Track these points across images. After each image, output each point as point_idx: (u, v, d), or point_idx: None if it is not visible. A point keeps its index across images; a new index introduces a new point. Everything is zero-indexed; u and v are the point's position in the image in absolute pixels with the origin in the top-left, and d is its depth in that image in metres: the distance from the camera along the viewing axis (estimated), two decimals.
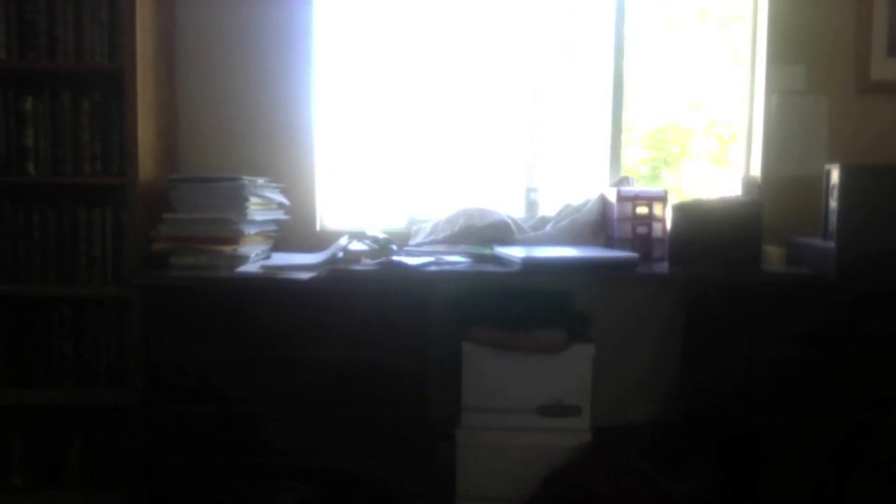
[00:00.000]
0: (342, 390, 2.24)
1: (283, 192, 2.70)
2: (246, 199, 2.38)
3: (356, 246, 2.44)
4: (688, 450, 2.50)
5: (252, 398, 2.23)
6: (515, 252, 2.28)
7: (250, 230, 2.42)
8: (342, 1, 2.90)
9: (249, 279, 2.18)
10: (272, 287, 2.19)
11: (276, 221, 2.66)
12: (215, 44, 2.76)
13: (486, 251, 2.46)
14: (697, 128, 3.11)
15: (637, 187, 2.63)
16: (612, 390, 2.78)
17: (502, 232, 2.64)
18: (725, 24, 3.01)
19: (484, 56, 2.99)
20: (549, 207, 2.92)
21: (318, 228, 2.84)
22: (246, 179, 2.39)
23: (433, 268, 2.26)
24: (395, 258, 2.26)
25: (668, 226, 2.50)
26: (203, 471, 2.26)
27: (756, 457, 2.34)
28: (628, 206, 2.53)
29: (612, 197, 2.60)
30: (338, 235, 2.72)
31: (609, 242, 2.61)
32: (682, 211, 2.35)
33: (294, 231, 2.75)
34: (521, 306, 2.49)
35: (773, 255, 2.46)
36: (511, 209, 2.81)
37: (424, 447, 2.33)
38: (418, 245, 2.63)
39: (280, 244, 2.71)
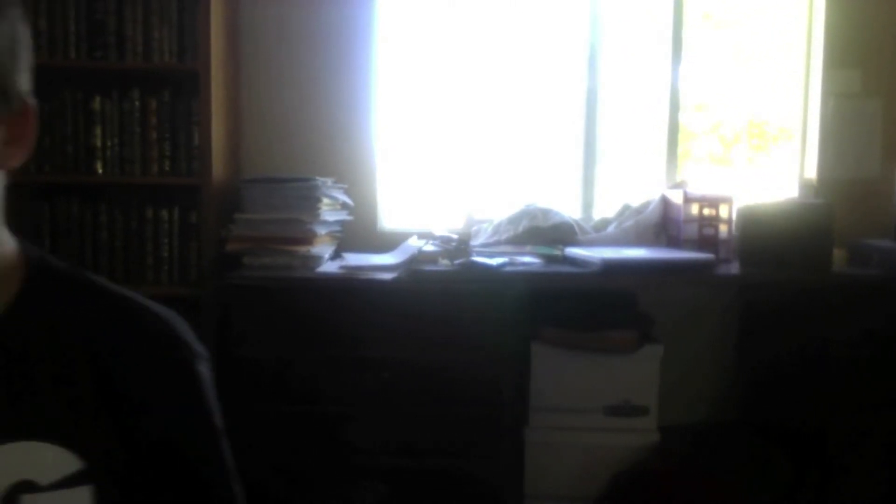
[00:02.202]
0: (421, 390, 2.25)
1: (346, 192, 2.70)
2: (319, 200, 2.39)
3: (427, 246, 2.45)
4: (755, 448, 2.52)
5: (332, 398, 2.23)
6: (592, 253, 2.29)
7: (321, 230, 2.42)
8: (403, 1, 2.91)
9: (333, 279, 2.18)
10: (354, 287, 2.19)
11: (340, 222, 2.66)
12: (278, 44, 2.76)
13: (556, 252, 2.48)
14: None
15: (699, 189, 2.65)
16: (673, 389, 2.80)
17: (565, 233, 2.66)
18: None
19: (540, 57, 3.00)
20: (604, 208, 2.94)
21: (379, 229, 2.84)
22: (319, 180, 2.39)
23: (511, 269, 2.27)
24: (475, 259, 2.27)
25: (732, 227, 2.53)
26: (282, 470, 2.26)
27: (827, 457, 2.37)
28: (695, 208, 2.55)
29: (676, 198, 2.62)
30: (399, 235, 2.72)
31: (672, 243, 2.63)
32: (752, 213, 2.38)
33: (356, 231, 2.75)
34: (588, 307, 2.50)
35: (834, 257, 2.49)
36: (568, 209, 2.83)
37: (497, 446, 2.34)
38: (483, 246, 2.64)
39: (342, 244, 2.71)
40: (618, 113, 3.01)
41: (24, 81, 0.69)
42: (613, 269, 2.22)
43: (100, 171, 2.49)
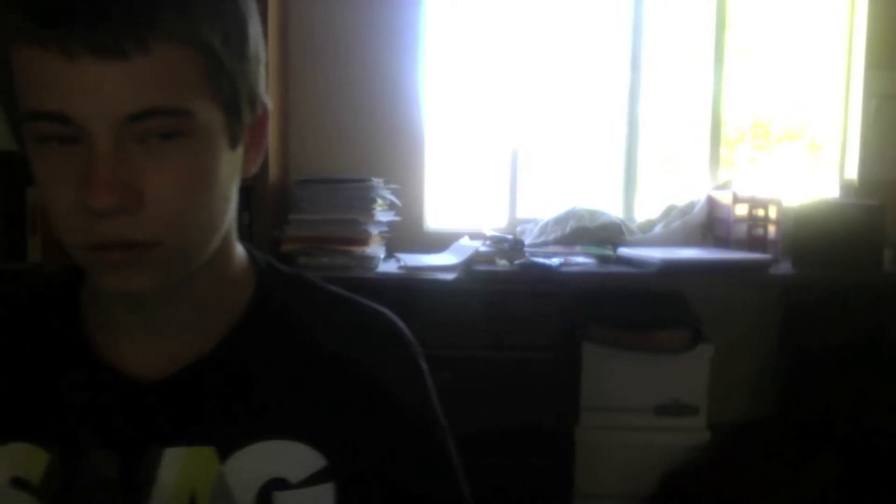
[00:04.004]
0: (478, 390, 2.26)
1: (394, 192, 2.71)
2: (374, 201, 2.40)
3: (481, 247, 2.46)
4: (804, 446, 2.54)
5: None
6: (650, 253, 2.31)
7: (375, 231, 2.43)
8: (451, 1, 2.92)
9: (394, 279, 2.19)
10: (415, 287, 2.20)
11: (389, 222, 2.67)
12: (326, 45, 2.76)
13: (608, 252, 2.49)
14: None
15: (746, 190, 2.67)
16: (721, 388, 2.82)
17: (613, 233, 2.67)
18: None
19: (583, 58, 3.02)
20: (645, 209, 2.96)
21: (425, 229, 2.85)
22: (374, 180, 2.40)
23: (568, 269, 2.28)
24: (535, 259, 2.28)
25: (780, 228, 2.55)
26: None
27: (876, 455, 2.39)
28: (744, 208, 2.57)
29: (723, 199, 2.64)
30: (445, 236, 2.74)
31: (719, 244, 2.64)
32: (804, 213, 2.40)
33: (403, 231, 2.76)
34: (639, 307, 2.52)
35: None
36: (610, 210, 2.85)
37: (549, 445, 2.35)
38: (531, 246, 2.65)
39: (389, 244, 2.72)
40: (659, 114, 3.03)
41: (263, 83, 0.69)
42: (672, 270, 2.23)
43: None
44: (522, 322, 2.25)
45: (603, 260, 2.46)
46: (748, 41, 3.06)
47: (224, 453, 0.68)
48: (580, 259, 2.43)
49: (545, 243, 2.67)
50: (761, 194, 2.60)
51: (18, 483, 0.68)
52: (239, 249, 0.75)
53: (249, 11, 0.65)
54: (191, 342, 0.71)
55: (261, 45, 0.68)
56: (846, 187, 2.92)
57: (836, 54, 2.99)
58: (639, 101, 2.95)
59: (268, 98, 0.71)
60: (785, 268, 2.43)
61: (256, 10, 0.67)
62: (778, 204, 2.58)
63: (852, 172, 2.93)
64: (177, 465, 0.67)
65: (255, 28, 0.66)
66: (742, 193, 2.59)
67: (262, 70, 0.68)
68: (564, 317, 2.55)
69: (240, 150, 0.68)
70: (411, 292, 2.23)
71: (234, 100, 0.64)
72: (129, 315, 0.70)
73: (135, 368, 0.70)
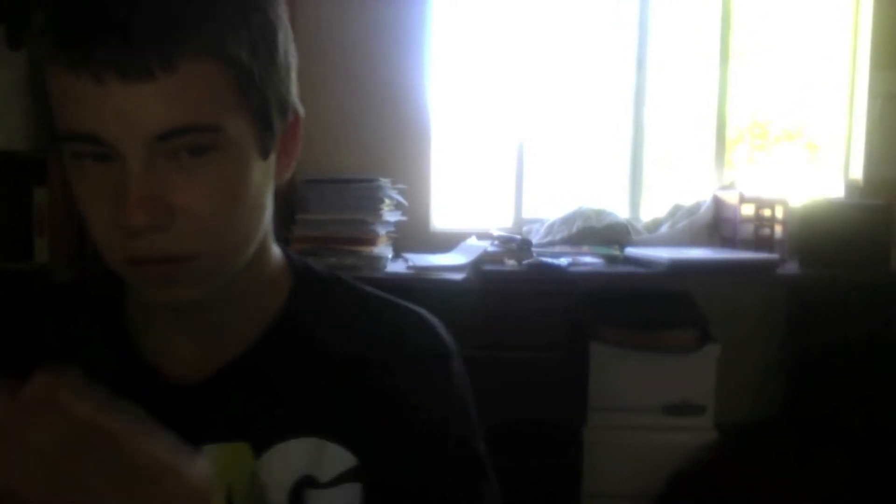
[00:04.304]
0: (485, 389, 2.25)
1: (400, 192, 2.71)
2: (381, 201, 2.40)
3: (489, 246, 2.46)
4: (812, 446, 2.55)
5: None
6: (658, 253, 2.31)
7: (382, 231, 2.43)
8: (457, 2, 2.92)
9: (403, 279, 2.19)
10: (424, 287, 2.20)
11: (395, 222, 2.67)
12: (332, 44, 2.76)
13: (615, 252, 2.50)
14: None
15: (752, 190, 2.68)
16: (728, 388, 2.82)
17: (619, 233, 2.68)
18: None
19: (589, 58, 3.02)
20: (650, 208, 2.96)
21: (431, 229, 2.85)
22: (381, 180, 2.40)
23: (577, 269, 2.28)
24: (544, 259, 2.28)
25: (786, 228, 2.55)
26: None
27: (885, 455, 2.40)
28: (751, 208, 2.58)
29: (729, 199, 2.64)
30: (451, 236, 2.74)
31: (726, 244, 2.65)
32: (811, 213, 2.40)
33: (409, 231, 2.76)
34: (646, 307, 2.52)
35: None
36: (616, 209, 2.85)
37: (557, 445, 2.36)
38: (538, 246, 2.65)
39: (395, 244, 2.72)
40: (664, 114, 3.03)
41: (295, 89, 0.69)
42: (680, 270, 2.24)
43: None
44: (530, 322, 2.25)
45: (610, 260, 2.46)
46: (752, 41, 3.07)
47: (258, 450, 0.69)
48: (588, 259, 2.43)
49: (552, 243, 2.67)
50: (767, 194, 2.61)
51: None
52: (276, 252, 0.76)
53: (278, 17, 0.65)
54: (230, 343, 0.71)
55: (291, 51, 0.68)
56: (851, 187, 2.93)
57: (841, 54, 3.00)
58: (644, 101, 2.95)
59: (300, 104, 0.71)
60: (792, 268, 2.44)
61: (286, 15, 0.67)
62: (784, 204, 2.59)
63: (857, 172, 2.94)
64: (213, 461, 0.68)
65: (284, 34, 0.66)
66: (748, 194, 2.60)
67: (293, 76, 0.68)
68: (572, 316, 2.55)
69: (272, 158, 0.68)
70: (420, 292, 2.22)
71: (265, 110, 0.64)
72: (170, 319, 0.71)
73: (176, 370, 0.71)
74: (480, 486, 0.74)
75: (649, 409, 2.49)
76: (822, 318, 2.71)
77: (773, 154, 3.20)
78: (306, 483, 0.69)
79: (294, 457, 0.69)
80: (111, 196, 0.59)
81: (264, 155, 0.66)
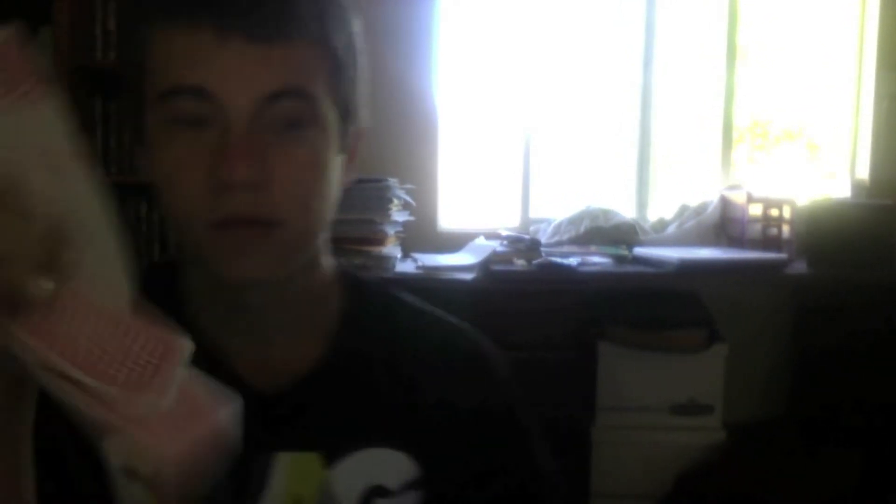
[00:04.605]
0: None
1: (408, 192, 2.71)
2: (390, 201, 2.40)
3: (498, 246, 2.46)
4: (821, 445, 2.55)
5: None
6: (667, 253, 2.31)
7: (391, 231, 2.43)
8: (464, 1, 2.92)
9: (413, 279, 2.20)
10: (434, 287, 2.20)
11: (403, 222, 2.67)
12: None
13: (624, 252, 2.50)
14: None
15: (758, 189, 2.68)
16: (735, 387, 2.83)
17: (627, 233, 2.68)
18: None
19: (595, 57, 3.03)
20: (656, 209, 2.97)
21: (439, 229, 2.85)
22: (390, 180, 2.40)
23: (586, 269, 2.29)
24: (554, 259, 2.29)
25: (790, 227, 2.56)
26: None
27: (894, 453, 2.40)
28: (758, 208, 2.58)
29: (737, 199, 2.65)
30: (458, 236, 2.74)
31: (733, 243, 2.65)
32: (819, 213, 2.41)
33: (416, 231, 2.76)
34: (654, 306, 2.52)
35: None
36: (623, 210, 2.86)
37: (565, 445, 2.35)
38: (546, 246, 2.65)
39: (403, 245, 2.72)
40: (671, 114, 3.04)
41: (364, 105, 0.72)
42: (690, 270, 2.24)
43: None
44: (539, 321, 2.26)
45: (619, 260, 2.46)
46: (757, 41, 3.08)
47: (329, 460, 0.69)
48: (596, 259, 2.44)
49: (559, 243, 2.67)
50: (776, 194, 2.62)
51: (132, 473, 0.69)
52: (328, 262, 0.77)
53: (360, 33, 0.71)
54: (292, 349, 0.72)
55: (365, 68, 0.71)
56: (857, 187, 2.93)
57: (847, 55, 3.01)
58: (651, 101, 2.96)
59: (363, 111, 0.74)
60: (800, 267, 2.45)
61: (363, 33, 0.71)
62: (792, 204, 2.59)
63: (863, 172, 2.95)
64: (285, 470, 0.69)
65: (363, 54, 0.71)
66: (756, 194, 2.60)
67: (364, 91, 0.72)
68: (580, 316, 2.56)
69: (343, 157, 0.71)
70: (430, 292, 2.21)
71: (347, 104, 0.68)
72: (232, 319, 0.71)
73: (246, 374, 0.70)
74: (543, 492, 0.75)
75: (657, 408, 2.49)
76: (830, 318, 2.71)
77: (773, 154, 3.21)
78: (375, 493, 0.70)
79: (363, 467, 0.70)
80: (206, 157, 0.61)
81: (342, 148, 0.69)
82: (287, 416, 0.70)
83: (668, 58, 2.99)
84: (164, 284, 0.73)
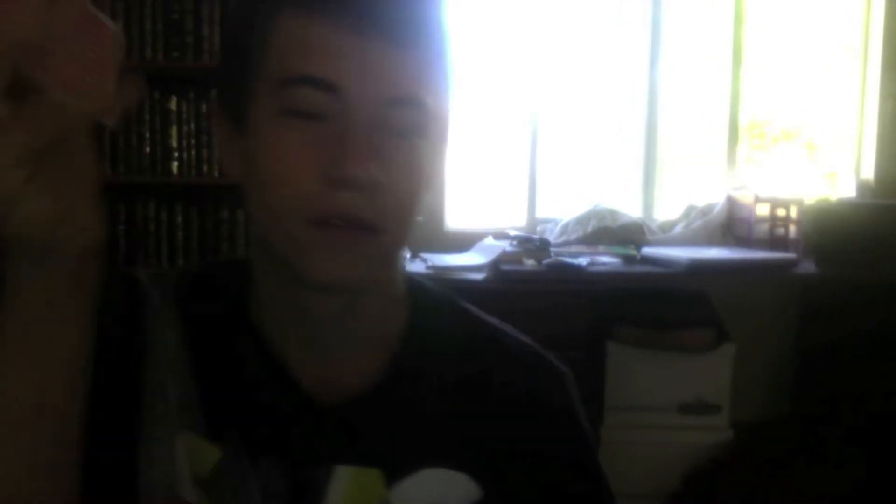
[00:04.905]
0: None
1: None
2: None
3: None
4: (827, 444, 2.56)
5: None
6: (677, 253, 2.32)
7: None
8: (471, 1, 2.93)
9: (427, 279, 2.19)
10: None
11: None
12: None
13: (632, 252, 2.50)
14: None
15: (766, 189, 2.69)
16: (742, 387, 2.84)
17: (634, 233, 2.69)
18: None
19: (602, 58, 3.03)
20: (665, 208, 2.98)
21: (446, 229, 2.85)
22: None
23: (596, 269, 2.30)
24: (564, 259, 2.29)
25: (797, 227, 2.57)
26: None
27: None
28: (766, 208, 2.59)
29: (744, 199, 2.66)
30: (466, 236, 2.74)
31: (740, 243, 2.66)
32: (827, 213, 2.42)
33: (424, 232, 2.75)
34: (663, 306, 2.53)
35: None
36: (629, 209, 2.86)
37: None
38: (553, 245, 2.66)
39: (411, 245, 2.72)
40: (677, 115, 3.04)
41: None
42: (700, 270, 2.25)
43: (176, 171, 2.49)
44: (549, 321, 2.25)
45: (628, 259, 2.47)
46: (761, 41, 3.08)
47: (390, 478, 0.68)
48: (605, 259, 2.44)
49: (567, 243, 2.68)
50: (783, 194, 2.63)
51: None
52: (403, 271, 0.75)
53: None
54: (354, 362, 0.70)
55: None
56: (862, 187, 2.95)
57: (852, 55, 3.02)
58: (658, 101, 2.96)
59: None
60: (807, 267, 2.46)
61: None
62: (799, 203, 2.60)
63: (868, 172, 2.96)
64: (344, 484, 0.67)
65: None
66: (764, 194, 2.62)
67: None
68: (589, 316, 2.56)
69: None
70: None
71: (445, 122, 0.67)
72: (298, 328, 0.69)
73: (309, 384, 0.69)
74: None
75: (665, 408, 2.50)
76: (837, 318, 2.72)
77: (772, 154, 3.22)
78: None
79: (425, 486, 0.68)
80: (320, 151, 0.59)
81: (439, 158, 0.68)
82: (347, 430, 0.68)
83: (674, 58, 2.99)
84: (233, 283, 0.72)
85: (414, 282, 0.75)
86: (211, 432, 0.68)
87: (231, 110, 0.65)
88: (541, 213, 2.96)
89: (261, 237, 0.67)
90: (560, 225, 2.78)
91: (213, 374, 0.70)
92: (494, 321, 0.78)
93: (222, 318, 0.72)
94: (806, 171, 3.18)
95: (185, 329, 0.71)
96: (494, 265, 2.30)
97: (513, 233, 2.57)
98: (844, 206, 2.45)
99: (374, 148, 0.59)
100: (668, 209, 2.99)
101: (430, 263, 2.37)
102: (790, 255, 2.36)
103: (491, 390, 0.71)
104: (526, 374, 0.73)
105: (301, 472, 0.67)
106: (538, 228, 2.84)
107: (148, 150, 2.48)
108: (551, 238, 2.73)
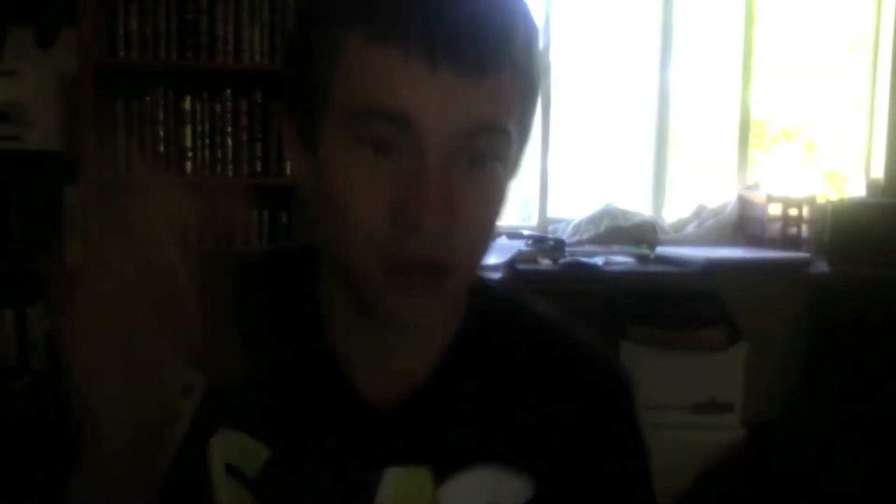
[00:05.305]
0: None
1: None
2: None
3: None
4: (838, 441, 2.57)
5: None
6: (693, 252, 2.33)
7: None
8: None
9: None
10: None
11: None
12: None
13: (646, 251, 2.51)
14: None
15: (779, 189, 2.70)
16: (754, 386, 2.84)
17: (646, 232, 2.69)
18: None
19: (613, 58, 3.03)
20: (676, 208, 2.98)
21: None
22: None
23: (612, 268, 2.30)
24: (580, 259, 2.30)
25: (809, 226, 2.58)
26: None
27: None
28: (778, 207, 2.60)
29: (756, 198, 2.66)
30: None
31: (752, 243, 2.67)
32: (840, 213, 2.42)
33: None
34: (676, 306, 2.53)
35: None
36: (640, 209, 2.87)
37: None
38: (568, 245, 2.66)
39: None
40: (688, 114, 3.05)
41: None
42: (715, 269, 2.25)
43: (189, 171, 2.48)
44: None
45: (641, 259, 2.48)
46: (771, 41, 3.09)
47: (441, 476, 0.67)
48: (620, 258, 2.45)
49: (579, 242, 2.68)
50: (796, 193, 2.63)
51: (232, 471, 0.68)
52: None
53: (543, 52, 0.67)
54: (412, 360, 0.69)
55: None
56: (872, 187, 2.95)
57: (862, 55, 3.02)
58: (668, 101, 2.97)
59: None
60: (820, 266, 2.46)
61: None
62: (812, 203, 2.61)
63: (878, 172, 2.97)
64: (394, 485, 0.67)
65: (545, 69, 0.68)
66: (776, 193, 2.62)
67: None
68: (603, 315, 2.56)
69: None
70: None
71: (524, 142, 0.65)
72: (363, 329, 0.68)
73: (362, 385, 0.69)
74: None
75: (678, 407, 2.50)
76: (849, 316, 2.73)
77: (772, 153, 3.22)
78: None
79: (476, 485, 0.67)
80: (392, 185, 0.57)
81: (514, 176, 0.66)
82: (398, 429, 0.68)
83: (685, 58, 3.00)
84: (301, 272, 0.71)
85: (477, 280, 0.72)
86: (262, 432, 0.68)
87: (299, 125, 0.63)
88: (552, 213, 2.96)
89: (333, 259, 0.65)
90: (572, 224, 2.78)
91: (269, 372, 0.68)
92: (559, 320, 0.76)
93: (286, 313, 0.71)
94: (806, 170, 3.19)
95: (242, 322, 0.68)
96: (510, 265, 2.30)
97: (526, 232, 2.57)
98: (858, 205, 2.45)
99: (447, 186, 0.57)
100: (678, 209, 2.99)
101: None
102: (803, 255, 2.37)
103: (548, 391, 0.70)
104: (585, 377, 0.72)
105: (351, 474, 0.67)
106: (550, 228, 2.84)
107: (162, 149, 2.47)
108: (564, 238, 2.73)
